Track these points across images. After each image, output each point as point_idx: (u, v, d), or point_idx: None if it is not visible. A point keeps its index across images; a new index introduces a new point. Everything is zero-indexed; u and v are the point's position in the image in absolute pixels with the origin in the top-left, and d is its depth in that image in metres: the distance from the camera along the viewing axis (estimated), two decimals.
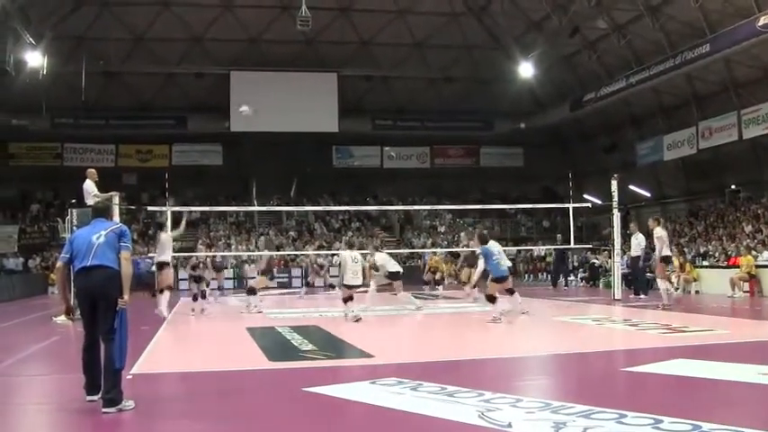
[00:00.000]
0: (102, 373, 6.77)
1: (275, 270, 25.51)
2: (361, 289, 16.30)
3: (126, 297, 6.89)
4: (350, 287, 15.12)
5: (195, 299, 18.60)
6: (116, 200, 16.06)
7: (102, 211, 7.47)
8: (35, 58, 32.27)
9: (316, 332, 13.09)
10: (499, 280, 14.74)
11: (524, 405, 6.55)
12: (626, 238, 23.25)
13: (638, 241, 21.25)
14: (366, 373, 8.26)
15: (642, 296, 20.63)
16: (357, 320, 14.66)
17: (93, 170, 16.92)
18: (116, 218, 14.25)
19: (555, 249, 28.93)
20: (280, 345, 11.65)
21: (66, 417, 6.81)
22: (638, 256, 21.29)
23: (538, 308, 18.46)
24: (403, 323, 15.96)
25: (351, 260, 15.43)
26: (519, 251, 37.09)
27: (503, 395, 6.92)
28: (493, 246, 15.05)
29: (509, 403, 6.59)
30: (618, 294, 20.16)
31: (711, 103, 32.01)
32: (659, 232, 17.54)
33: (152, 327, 13.96)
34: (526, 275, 36.85)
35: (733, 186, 33.79)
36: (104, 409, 6.61)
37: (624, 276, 22.48)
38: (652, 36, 30.67)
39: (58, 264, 7.22)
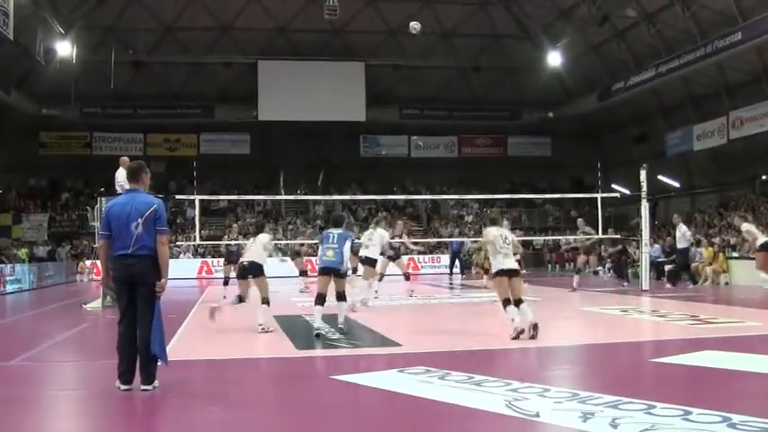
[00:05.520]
0: (139, 355, 6.95)
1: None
2: None
3: (163, 281, 7.07)
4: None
5: (226, 283, 18.61)
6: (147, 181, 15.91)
7: (137, 173, 7.45)
8: (64, 48, 32.62)
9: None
10: None
11: (552, 395, 6.54)
12: (654, 229, 23.09)
13: (681, 233, 21.25)
14: (394, 362, 8.28)
15: (668, 285, 20.70)
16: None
17: (125, 158, 15.42)
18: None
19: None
20: (307, 333, 11.69)
21: (99, 402, 6.89)
22: (686, 248, 21.37)
23: (564, 298, 18.43)
24: (429, 312, 15.95)
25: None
26: (546, 241, 36.99)
27: (530, 385, 6.92)
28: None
29: (537, 393, 6.59)
30: (645, 285, 20.02)
31: (743, 92, 31.57)
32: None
33: (180, 315, 14.07)
34: (550, 265, 36.83)
35: (764, 177, 33.38)
36: (143, 387, 6.89)
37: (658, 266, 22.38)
38: (682, 24, 30.31)
39: (101, 242, 7.39)
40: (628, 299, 17.85)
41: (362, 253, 16.51)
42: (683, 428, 5.29)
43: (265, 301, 11.97)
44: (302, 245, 24.28)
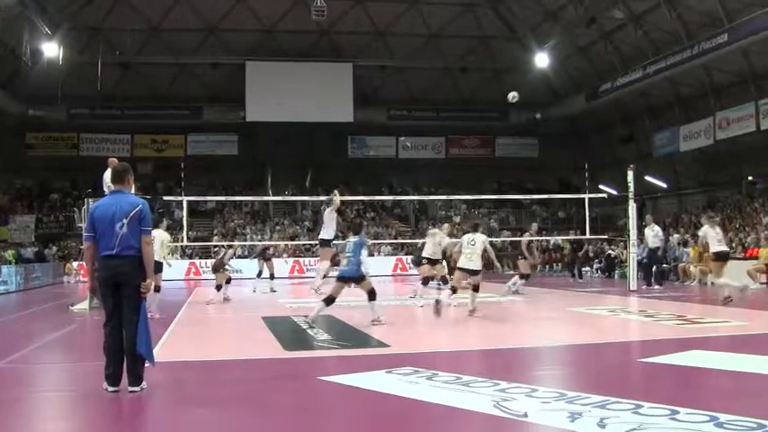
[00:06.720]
0: (126, 356, 6.91)
1: None
2: None
3: (148, 281, 7.08)
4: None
5: (219, 289, 18.49)
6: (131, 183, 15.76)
7: (122, 175, 7.47)
8: (51, 49, 32.46)
9: (331, 322, 13.07)
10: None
11: (540, 395, 6.53)
12: (642, 229, 23.20)
13: (654, 232, 21.49)
14: (382, 363, 8.24)
15: (656, 287, 20.79)
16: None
17: (114, 159, 14.38)
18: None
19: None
20: (295, 334, 11.67)
21: (86, 404, 6.85)
22: (657, 248, 21.56)
23: (552, 298, 18.47)
24: (417, 313, 15.94)
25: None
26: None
27: (518, 385, 6.91)
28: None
29: (524, 393, 6.58)
30: (633, 285, 20.12)
31: (729, 93, 31.77)
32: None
33: (169, 315, 14.03)
34: (539, 265, 36.87)
35: (750, 177, 33.55)
36: (130, 388, 6.85)
37: (642, 267, 22.48)
38: (669, 26, 30.46)
39: (86, 244, 7.39)
40: (615, 299, 17.93)
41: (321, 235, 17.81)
42: (670, 428, 5.29)
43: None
44: (267, 248, 23.92)
